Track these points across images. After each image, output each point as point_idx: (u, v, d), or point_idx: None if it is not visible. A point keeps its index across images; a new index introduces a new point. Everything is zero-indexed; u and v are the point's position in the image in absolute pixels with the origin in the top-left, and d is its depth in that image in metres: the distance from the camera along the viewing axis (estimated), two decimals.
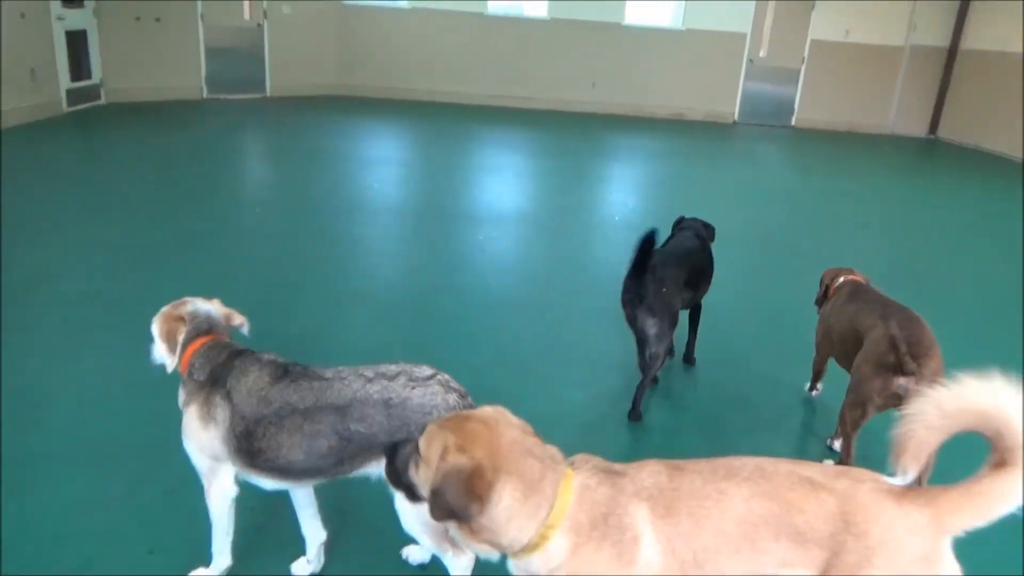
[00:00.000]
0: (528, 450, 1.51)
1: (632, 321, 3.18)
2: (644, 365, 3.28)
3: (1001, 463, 1.43)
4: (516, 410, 1.61)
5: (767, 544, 1.50)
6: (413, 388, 1.90)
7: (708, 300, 3.81)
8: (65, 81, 10.16)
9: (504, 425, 1.53)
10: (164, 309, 2.11)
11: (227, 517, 2.10)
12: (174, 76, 11.70)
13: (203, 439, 1.97)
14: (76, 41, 10.36)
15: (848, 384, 2.87)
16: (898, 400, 2.62)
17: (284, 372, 1.95)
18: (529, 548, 1.50)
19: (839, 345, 3.12)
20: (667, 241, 3.65)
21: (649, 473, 1.56)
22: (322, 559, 2.31)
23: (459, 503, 1.44)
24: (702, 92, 13.38)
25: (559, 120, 12.22)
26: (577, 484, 1.53)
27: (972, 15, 12.71)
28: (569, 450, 1.63)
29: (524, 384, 3.65)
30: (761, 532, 1.49)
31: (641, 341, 3.23)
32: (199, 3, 11.60)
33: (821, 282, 3.50)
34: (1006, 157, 11.67)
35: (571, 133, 11.39)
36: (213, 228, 5.87)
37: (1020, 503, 1.41)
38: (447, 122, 11.44)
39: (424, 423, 1.70)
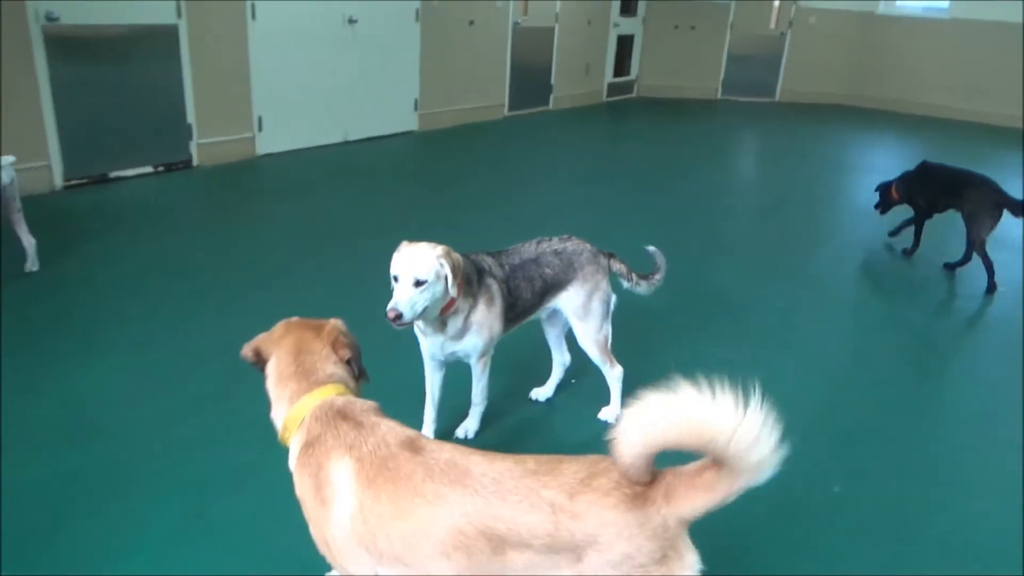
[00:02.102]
0: (305, 355, 1.70)
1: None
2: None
3: (719, 463, 1.37)
4: None
5: (484, 557, 1.46)
6: (565, 242, 2.84)
7: None
8: (608, 75, 12.23)
9: (302, 331, 1.75)
10: (439, 250, 2.35)
11: (487, 376, 2.76)
12: (696, 77, 13.03)
13: (493, 317, 2.59)
14: (624, 43, 12.33)
15: None
16: None
17: (494, 252, 2.73)
18: (283, 436, 1.67)
19: None
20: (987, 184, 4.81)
21: (377, 441, 1.55)
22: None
23: (250, 351, 1.76)
24: None
25: None
26: (315, 405, 1.63)
27: None
28: None
29: None
30: (481, 547, 1.44)
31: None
32: (731, 13, 12.69)
33: None
34: None
35: None
36: (684, 200, 6.73)
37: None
38: (961, 141, 10.49)
39: (580, 260, 2.80)
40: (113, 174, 5.93)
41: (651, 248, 3.05)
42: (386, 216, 5.55)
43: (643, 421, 1.35)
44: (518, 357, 3.24)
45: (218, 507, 2.40)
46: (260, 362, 1.76)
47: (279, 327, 1.80)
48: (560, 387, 3.21)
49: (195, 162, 6.47)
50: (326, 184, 6.44)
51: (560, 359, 3.16)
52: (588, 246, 2.89)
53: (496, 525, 1.43)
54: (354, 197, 6.11)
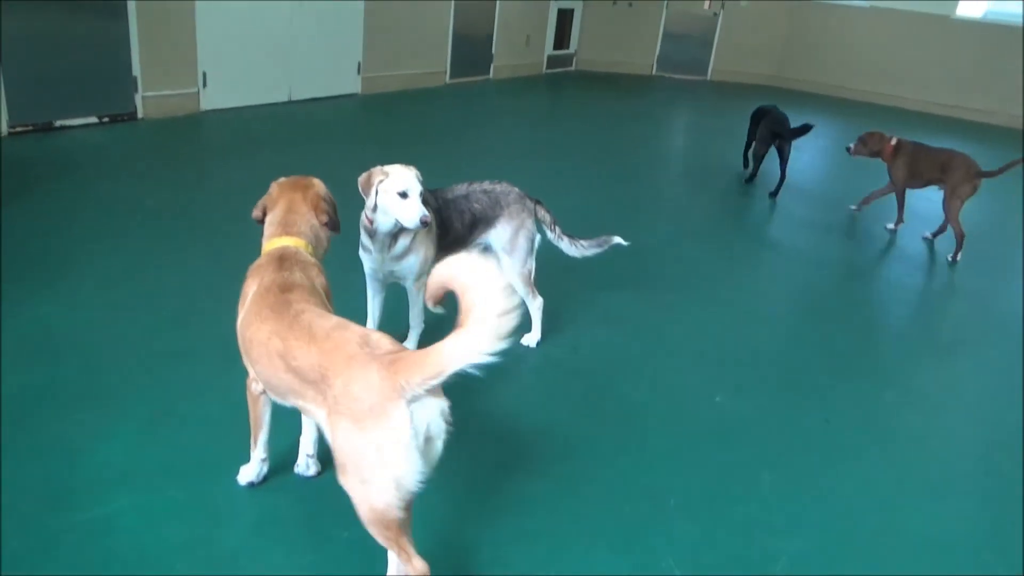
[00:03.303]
0: (290, 213, 2.26)
1: (781, 146, 6.44)
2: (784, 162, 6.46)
3: (459, 326, 1.59)
4: None
5: (279, 371, 1.91)
6: (495, 185, 3.25)
7: None
8: (548, 49, 12.59)
9: (293, 193, 2.30)
10: (415, 169, 2.83)
11: (423, 299, 3.04)
12: (632, 53, 13.50)
13: (429, 241, 2.98)
14: (564, 18, 12.68)
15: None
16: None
17: (431, 189, 3.04)
18: None
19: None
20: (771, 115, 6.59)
21: (274, 278, 2.05)
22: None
23: (259, 211, 2.33)
24: None
25: None
26: (276, 246, 2.18)
27: None
28: None
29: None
30: (276, 361, 1.91)
31: (781, 153, 6.45)
32: None
33: (866, 142, 5.91)
34: None
35: None
36: (616, 167, 7.20)
37: (466, 362, 1.58)
38: (876, 122, 11.18)
39: (507, 200, 3.20)
40: (58, 123, 6.03)
41: (616, 238, 3.48)
42: (336, 171, 5.70)
43: (444, 270, 1.69)
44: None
45: (184, 408, 2.73)
46: (264, 215, 2.34)
47: (274, 188, 2.36)
48: None
49: (140, 114, 6.59)
50: (274, 140, 6.65)
51: None
52: (516, 189, 3.28)
53: (279, 345, 1.89)
54: (303, 152, 6.34)
